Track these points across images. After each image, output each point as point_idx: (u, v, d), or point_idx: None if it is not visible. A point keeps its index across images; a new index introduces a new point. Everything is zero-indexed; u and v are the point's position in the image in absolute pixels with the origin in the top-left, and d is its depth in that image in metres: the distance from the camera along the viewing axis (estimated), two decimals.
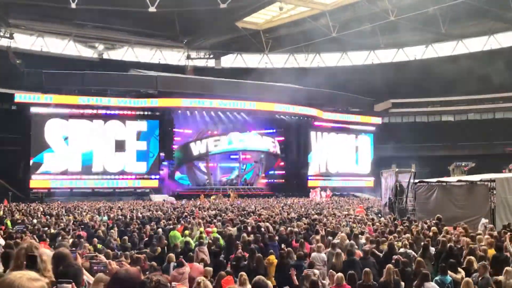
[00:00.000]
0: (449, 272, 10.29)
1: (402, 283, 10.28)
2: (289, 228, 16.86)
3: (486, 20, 60.86)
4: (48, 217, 23.14)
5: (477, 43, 66.90)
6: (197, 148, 55.56)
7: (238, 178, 59.93)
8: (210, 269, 10.72)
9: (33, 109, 48.92)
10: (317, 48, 70.87)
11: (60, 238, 14.20)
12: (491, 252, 12.03)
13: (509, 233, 14.03)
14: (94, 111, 50.74)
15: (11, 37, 57.18)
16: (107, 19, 57.17)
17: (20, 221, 21.06)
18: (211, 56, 72.21)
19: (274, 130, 61.24)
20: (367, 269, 10.12)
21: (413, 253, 12.63)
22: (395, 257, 11.54)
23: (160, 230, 17.09)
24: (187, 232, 16.74)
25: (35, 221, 20.75)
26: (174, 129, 55.20)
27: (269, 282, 8.68)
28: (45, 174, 49.09)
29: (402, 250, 12.71)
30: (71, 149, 50.04)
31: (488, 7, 52.65)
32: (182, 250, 14.22)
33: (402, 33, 62.94)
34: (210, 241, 15.31)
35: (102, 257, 6.46)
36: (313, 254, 12.58)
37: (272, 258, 12.24)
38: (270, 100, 55.68)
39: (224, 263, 13.26)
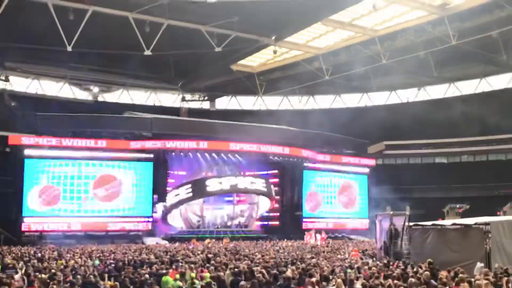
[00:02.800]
0: None
1: None
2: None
3: (478, 63, 61.68)
4: (39, 261, 22.77)
5: (469, 86, 67.61)
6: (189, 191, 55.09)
7: (231, 220, 59.41)
8: None
9: (27, 152, 48.81)
10: (311, 90, 71.58)
11: (50, 283, 13.96)
12: None
13: (505, 278, 13.87)
14: (89, 153, 50.70)
15: (6, 80, 57.44)
16: (102, 62, 57.66)
17: (11, 265, 20.71)
18: (206, 98, 72.72)
19: (268, 172, 61.07)
20: None
21: None
22: None
23: (149, 275, 16.80)
24: (178, 276, 16.47)
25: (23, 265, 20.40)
26: (168, 171, 55.03)
27: None
28: (37, 216, 48.61)
29: None
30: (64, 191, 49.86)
31: (479, 51, 53.40)
32: None
33: (394, 76, 63.81)
34: (202, 285, 15.03)
35: None
36: None
37: None
38: (264, 142, 55.76)
39: None
